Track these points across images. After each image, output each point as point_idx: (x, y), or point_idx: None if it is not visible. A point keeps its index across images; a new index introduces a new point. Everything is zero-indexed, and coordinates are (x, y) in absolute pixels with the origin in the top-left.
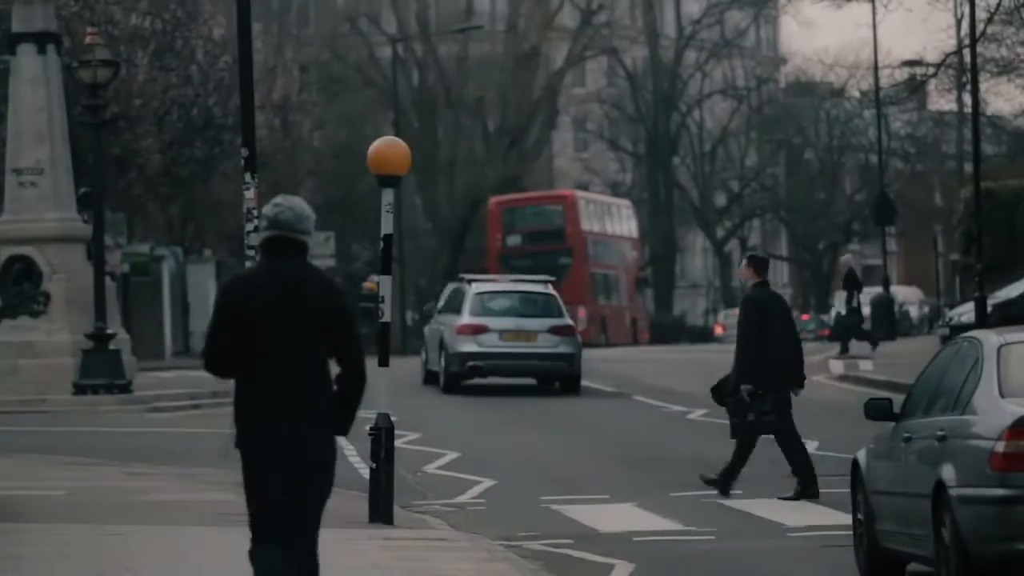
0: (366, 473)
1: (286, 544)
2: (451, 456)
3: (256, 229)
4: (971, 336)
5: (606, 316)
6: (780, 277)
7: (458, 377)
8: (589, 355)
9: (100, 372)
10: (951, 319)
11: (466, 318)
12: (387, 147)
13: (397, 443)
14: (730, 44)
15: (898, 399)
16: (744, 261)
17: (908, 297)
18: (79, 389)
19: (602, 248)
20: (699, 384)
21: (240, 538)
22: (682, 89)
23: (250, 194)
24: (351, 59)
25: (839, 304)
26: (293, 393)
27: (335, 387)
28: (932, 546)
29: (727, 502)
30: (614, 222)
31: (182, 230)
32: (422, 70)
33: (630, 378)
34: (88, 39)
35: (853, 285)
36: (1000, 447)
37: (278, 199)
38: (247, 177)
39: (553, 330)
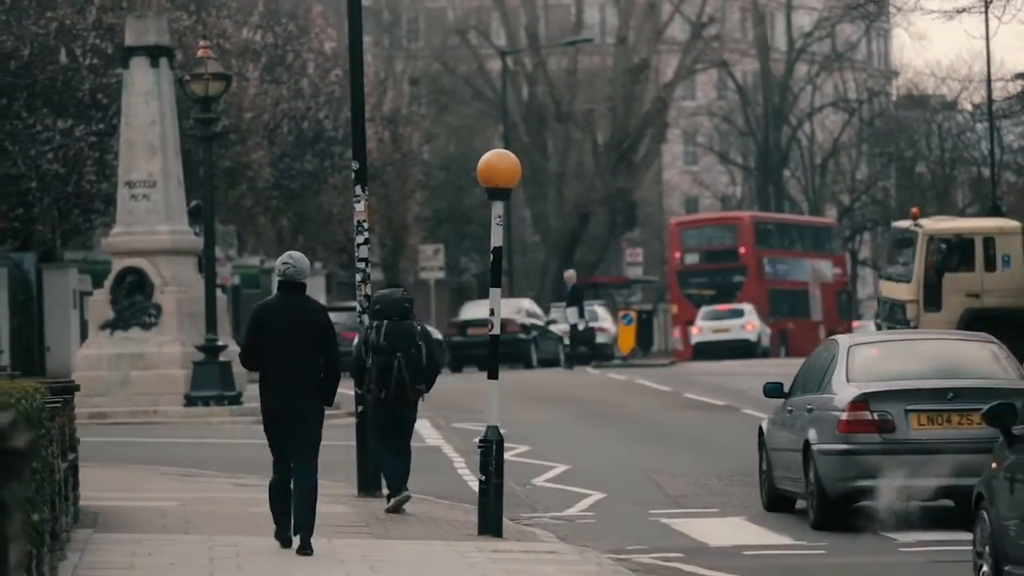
0: (475, 485)
1: (289, 473)
2: (560, 469)
3: (366, 241)
4: (833, 338)
5: (789, 330)
6: None
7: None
8: (710, 368)
9: (211, 384)
10: None
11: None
12: (497, 159)
13: (506, 456)
14: (841, 57)
15: (789, 382)
16: None
17: None
18: (190, 400)
19: (785, 266)
20: None
21: (351, 548)
22: (793, 102)
23: (360, 207)
24: (461, 72)
25: (572, 318)
26: (295, 378)
27: (322, 374)
28: (804, 486)
29: None
30: (804, 241)
31: (292, 242)
32: (532, 83)
33: (739, 391)
34: (200, 52)
35: (580, 299)
36: (844, 416)
37: (285, 258)
38: (357, 190)
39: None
